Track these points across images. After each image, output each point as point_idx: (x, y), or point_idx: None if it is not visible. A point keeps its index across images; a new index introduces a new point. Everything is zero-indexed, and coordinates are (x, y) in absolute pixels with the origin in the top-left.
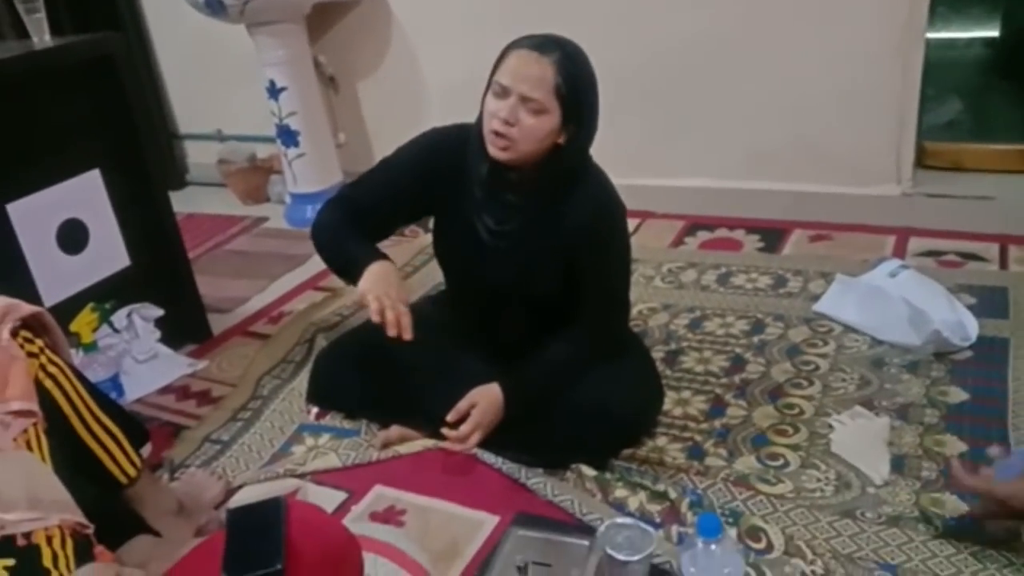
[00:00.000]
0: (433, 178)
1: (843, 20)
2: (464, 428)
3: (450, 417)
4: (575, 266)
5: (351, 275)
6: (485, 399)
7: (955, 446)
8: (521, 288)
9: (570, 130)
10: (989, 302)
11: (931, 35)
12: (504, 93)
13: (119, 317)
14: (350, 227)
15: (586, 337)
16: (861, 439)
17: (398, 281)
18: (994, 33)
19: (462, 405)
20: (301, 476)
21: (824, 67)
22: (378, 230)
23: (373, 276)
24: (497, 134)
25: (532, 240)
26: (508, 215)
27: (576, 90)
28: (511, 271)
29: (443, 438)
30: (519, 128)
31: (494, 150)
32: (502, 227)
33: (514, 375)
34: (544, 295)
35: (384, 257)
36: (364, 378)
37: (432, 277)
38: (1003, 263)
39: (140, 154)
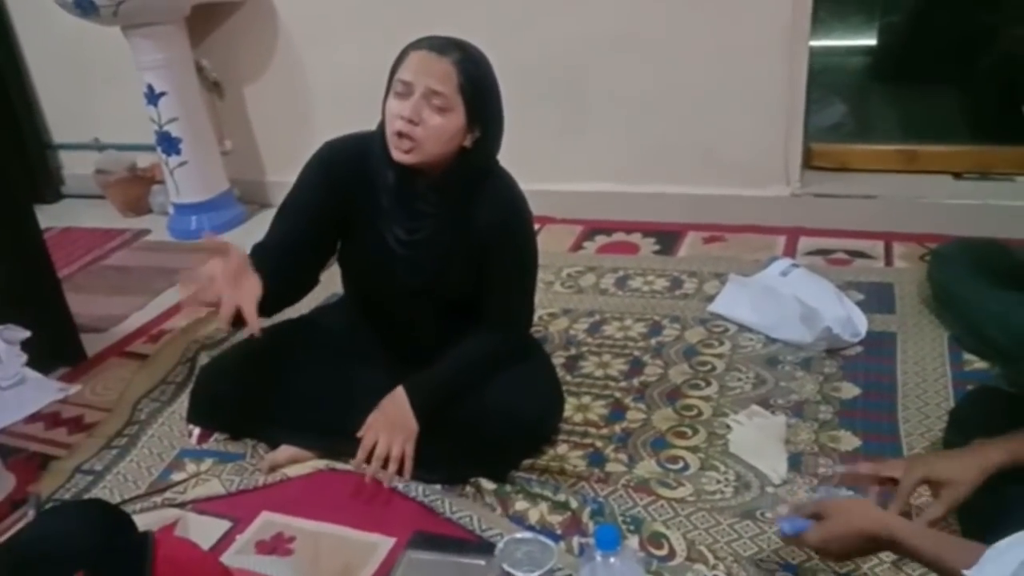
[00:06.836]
0: (337, 193)
1: (730, 24)
2: (379, 449)
3: (360, 433)
4: (486, 266)
5: None
6: (389, 402)
7: (849, 441)
8: (433, 295)
9: (475, 132)
10: (876, 298)
11: (815, 43)
12: (407, 91)
13: None
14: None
15: (494, 335)
16: (758, 438)
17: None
18: (872, 41)
19: (369, 419)
20: (181, 506)
21: (713, 71)
22: (304, 265)
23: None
24: (400, 135)
25: (443, 246)
26: (418, 224)
27: (479, 90)
28: (422, 278)
29: (337, 456)
30: (423, 128)
31: (398, 153)
32: (413, 236)
33: (417, 374)
34: (456, 299)
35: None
36: (251, 393)
37: (327, 288)
38: (888, 260)
39: None
